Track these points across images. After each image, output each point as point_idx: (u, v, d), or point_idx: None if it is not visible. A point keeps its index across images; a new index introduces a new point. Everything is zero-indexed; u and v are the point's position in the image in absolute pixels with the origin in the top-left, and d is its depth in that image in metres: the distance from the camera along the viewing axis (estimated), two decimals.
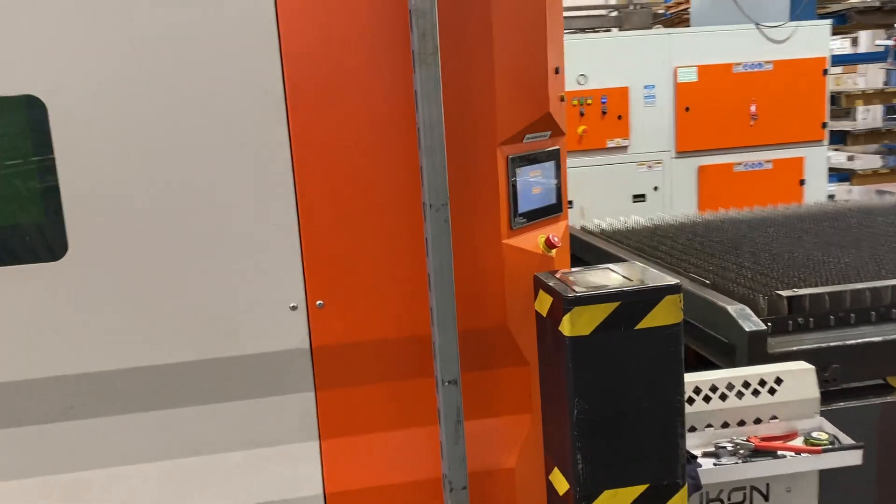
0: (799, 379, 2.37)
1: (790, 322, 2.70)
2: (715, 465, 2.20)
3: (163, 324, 1.77)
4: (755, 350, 2.54)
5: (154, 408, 1.81)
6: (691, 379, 2.36)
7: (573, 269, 1.80)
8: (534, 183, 1.93)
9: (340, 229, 1.79)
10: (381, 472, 1.88)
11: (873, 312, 2.73)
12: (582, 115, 6.52)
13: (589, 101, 6.50)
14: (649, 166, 6.74)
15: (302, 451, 1.87)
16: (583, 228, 4.71)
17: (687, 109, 6.65)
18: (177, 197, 1.73)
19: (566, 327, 1.56)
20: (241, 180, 1.75)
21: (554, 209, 2.00)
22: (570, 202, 6.62)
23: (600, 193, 6.71)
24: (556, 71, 1.93)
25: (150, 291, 1.75)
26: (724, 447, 2.29)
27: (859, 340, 2.59)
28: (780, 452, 2.24)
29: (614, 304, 1.55)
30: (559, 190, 2.02)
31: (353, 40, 1.73)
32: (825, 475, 2.39)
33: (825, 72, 6.79)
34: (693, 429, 2.34)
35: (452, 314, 1.66)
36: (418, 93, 1.61)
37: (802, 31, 6.75)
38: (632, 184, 6.78)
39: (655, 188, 6.80)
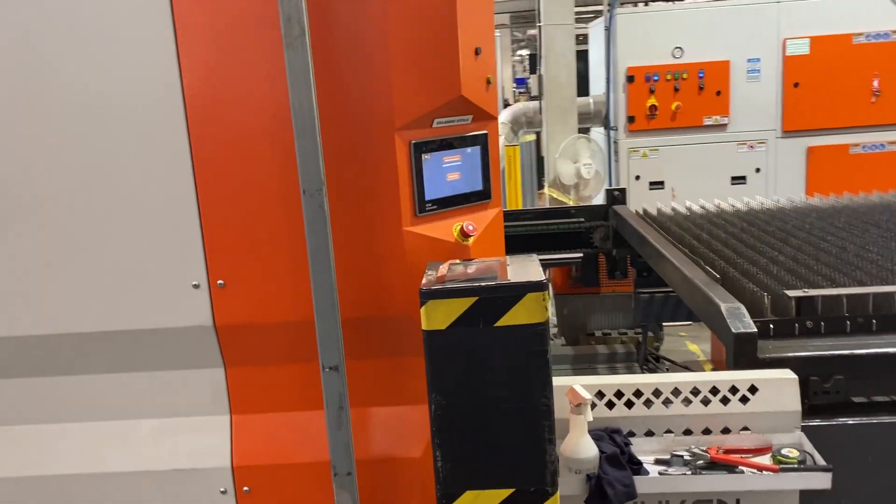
0: (776, 389, 2.14)
1: (796, 325, 2.43)
2: (661, 474, 2.05)
3: (77, 296, 1.88)
4: (742, 353, 2.31)
5: (73, 372, 1.94)
6: (652, 380, 2.20)
7: (469, 260, 1.70)
8: (450, 168, 1.84)
9: (239, 213, 1.81)
10: (288, 450, 1.91)
11: None
12: (676, 90, 6.15)
13: (685, 76, 6.11)
14: (751, 146, 6.26)
15: (213, 424, 1.93)
16: (643, 213, 4.45)
17: (796, 85, 6.10)
18: (86, 183, 1.83)
19: (423, 320, 1.49)
20: (144, 167, 1.82)
21: (480, 196, 1.91)
22: (661, 182, 6.31)
23: (695, 174, 6.34)
24: (477, 52, 1.82)
25: (65, 266, 1.87)
26: (681, 456, 2.12)
27: (870, 350, 2.29)
28: (739, 468, 2.05)
29: (472, 300, 1.46)
30: (486, 176, 1.92)
31: (240, 34, 1.72)
32: (815, 497, 2.16)
33: None
34: (650, 433, 2.18)
35: (331, 301, 1.63)
36: (288, 76, 1.58)
37: None
38: (731, 165, 6.34)
39: (757, 170, 6.32)
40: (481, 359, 1.49)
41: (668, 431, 2.17)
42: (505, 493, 1.52)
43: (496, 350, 1.48)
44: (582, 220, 4.73)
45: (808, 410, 2.34)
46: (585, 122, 6.84)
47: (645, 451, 2.17)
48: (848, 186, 5.62)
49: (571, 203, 6.32)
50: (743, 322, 2.33)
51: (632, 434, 2.18)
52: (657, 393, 2.17)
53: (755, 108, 6.20)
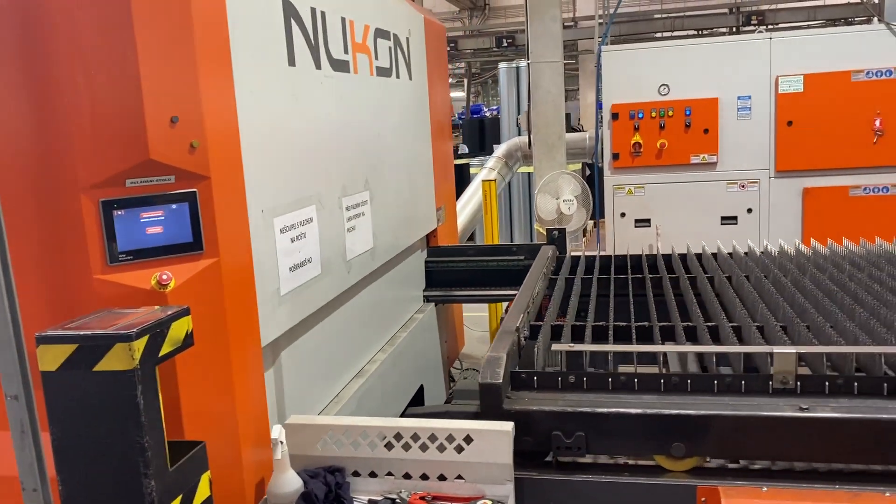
0: (489, 440, 2.17)
1: (559, 379, 2.44)
2: None
3: None
4: (488, 403, 2.33)
5: None
6: (377, 423, 2.29)
7: (128, 310, 1.85)
8: (150, 223, 2.02)
9: None
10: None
11: (662, 381, 2.36)
12: (662, 127, 6.06)
13: (670, 113, 6.01)
14: (742, 185, 6.06)
15: None
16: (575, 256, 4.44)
17: (790, 123, 5.87)
18: None
19: (38, 361, 1.68)
20: None
21: (189, 247, 2.07)
22: (647, 220, 6.21)
23: (683, 213, 6.19)
24: (173, 120, 1.99)
25: None
26: (391, 499, 2.19)
27: (609, 409, 2.26)
28: None
29: (73, 346, 1.64)
30: (197, 229, 2.08)
31: None
32: None
33: None
34: (374, 474, 2.27)
35: (11, 336, 1.83)
36: None
37: None
38: (721, 204, 6.15)
39: (749, 210, 6.10)
40: (85, 400, 1.66)
41: (390, 474, 2.25)
42: None
43: (96, 392, 1.65)
44: (522, 257, 4.77)
45: (556, 466, 2.37)
46: (581, 157, 6.83)
47: (366, 491, 2.26)
48: (847, 230, 5.33)
49: None
50: (493, 372, 2.37)
51: (357, 474, 2.28)
52: (381, 436, 2.26)
53: (746, 146, 6.00)
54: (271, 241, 2.46)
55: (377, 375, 3.55)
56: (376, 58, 3.66)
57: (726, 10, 21.22)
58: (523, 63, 11.91)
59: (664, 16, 20.33)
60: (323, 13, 2.97)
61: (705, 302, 3.23)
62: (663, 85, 6.01)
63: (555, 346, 2.49)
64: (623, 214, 6.26)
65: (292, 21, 2.67)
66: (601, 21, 6.43)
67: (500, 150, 6.84)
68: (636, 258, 4.09)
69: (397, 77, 4.02)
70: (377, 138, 3.64)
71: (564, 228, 4.72)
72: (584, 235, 7.81)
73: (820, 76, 5.75)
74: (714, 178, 6.08)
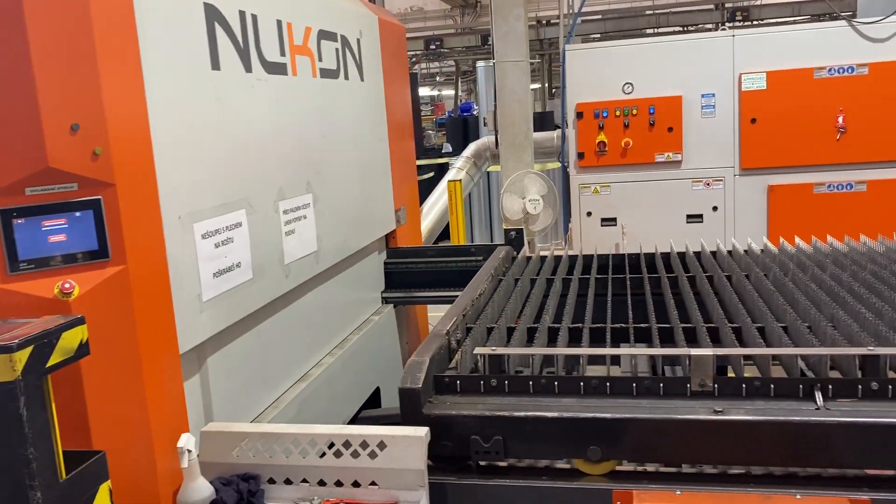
0: (402, 446, 2.16)
1: (482, 383, 2.42)
2: None
3: None
4: (407, 408, 2.33)
5: None
6: (292, 430, 2.27)
7: (24, 321, 1.83)
8: (52, 231, 2.01)
9: None
10: None
11: (582, 383, 2.35)
12: (626, 126, 6.05)
13: (634, 112, 6.01)
14: (707, 184, 6.06)
15: None
16: (531, 257, 4.43)
17: (753, 121, 5.87)
18: None
19: None
20: None
21: (95, 255, 2.05)
22: (613, 219, 6.21)
23: (649, 211, 6.19)
24: (73, 128, 1.96)
25: None
26: None
27: (527, 413, 2.25)
28: None
29: None
30: (102, 237, 2.06)
31: None
32: None
33: None
34: (289, 481, 2.25)
35: None
36: None
37: None
38: (687, 202, 6.15)
39: (714, 208, 6.10)
40: None
41: (305, 481, 2.24)
42: None
43: None
44: (481, 258, 4.76)
45: (478, 470, 2.37)
46: (551, 156, 6.82)
47: (281, 498, 2.25)
48: (812, 227, 5.31)
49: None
50: (413, 377, 2.36)
51: (273, 481, 2.27)
52: (296, 443, 2.24)
53: (711, 144, 6.00)
54: (190, 246, 2.44)
55: (323, 379, 3.53)
56: (320, 59, 3.64)
57: (712, 6, 21.26)
58: None
59: (650, 13, 20.35)
60: (254, 16, 2.95)
61: (665, 303, 3.17)
62: (627, 83, 6.01)
63: (476, 350, 2.48)
64: (589, 213, 6.25)
65: (216, 25, 2.65)
66: (566, 20, 6.42)
67: (469, 150, 6.83)
68: (588, 258, 4.08)
69: (346, 78, 4.00)
70: (322, 140, 3.62)
71: (522, 229, 4.71)
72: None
73: (783, 73, 5.75)
74: (679, 176, 6.08)
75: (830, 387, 2.18)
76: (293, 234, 3.24)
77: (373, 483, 2.18)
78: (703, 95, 5.92)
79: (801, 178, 5.88)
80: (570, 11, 6.47)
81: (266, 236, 2.98)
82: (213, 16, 2.64)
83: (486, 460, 2.31)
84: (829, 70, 5.68)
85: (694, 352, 2.28)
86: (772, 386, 2.22)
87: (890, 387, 2.15)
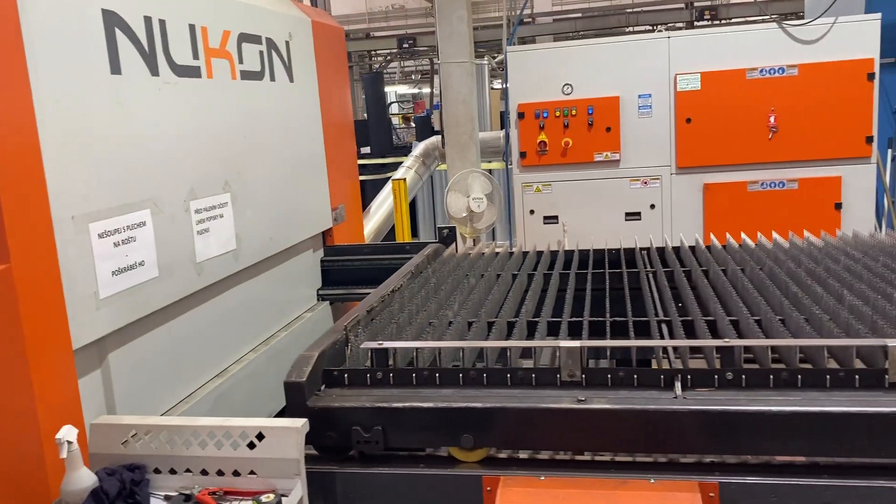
0: (280, 437, 2.25)
1: (368, 376, 2.53)
2: None
3: None
4: (291, 401, 2.43)
5: None
6: (180, 422, 2.36)
7: None
8: None
9: None
10: None
11: (461, 375, 2.46)
12: (566, 126, 6.17)
13: (574, 112, 6.13)
14: (645, 182, 6.19)
15: None
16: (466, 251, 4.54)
17: (688, 121, 6.01)
18: None
19: None
20: None
21: None
22: (555, 217, 6.33)
23: (589, 210, 6.32)
24: None
25: None
26: (185, 494, 2.27)
27: (406, 404, 2.36)
28: None
29: None
30: None
31: None
32: None
33: (871, 76, 5.74)
34: (174, 471, 2.34)
35: None
36: None
37: (841, 28, 5.77)
38: (625, 201, 6.28)
39: (652, 206, 6.24)
40: None
41: (188, 471, 2.33)
42: None
43: None
44: (414, 255, 4.85)
45: (360, 458, 2.47)
46: (498, 155, 6.93)
47: (165, 487, 2.33)
48: (746, 224, 5.46)
49: (467, 235, 6.43)
50: (299, 371, 2.46)
51: (158, 471, 2.35)
52: (180, 434, 2.33)
53: (648, 144, 6.14)
54: (85, 246, 2.52)
55: (244, 375, 3.62)
56: (241, 62, 3.72)
57: (682, 6, 21.48)
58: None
59: (618, 12, 20.55)
60: (162, 21, 3.03)
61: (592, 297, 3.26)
62: (567, 84, 6.13)
63: (363, 345, 2.58)
64: (532, 212, 6.37)
65: (116, 31, 2.73)
66: (509, 21, 6.52)
67: (418, 149, 6.93)
68: (510, 255, 4.19)
69: (272, 80, 4.08)
70: (243, 140, 3.70)
71: (454, 227, 4.81)
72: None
73: (716, 74, 5.89)
74: (617, 175, 6.21)
75: (690, 377, 2.30)
76: (207, 234, 3.32)
77: (252, 472, 2.27)
78: (640, 96, 6.05)
79: (735, 176, 6.03)
80: (513, 14, 6.58)
81: (175, 235, 3.06)
82: (114, 22, 2.72)
83: (367, 450, 2.41)
84: (761, 71, 5.83)
85: (563, 343, 2.39)
86: (635, 376, 2.34)
87: (743, 376, 2.27)
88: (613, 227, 6.13)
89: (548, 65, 6.13)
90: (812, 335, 2.49)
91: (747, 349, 2.48)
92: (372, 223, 6.45)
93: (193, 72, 3.27)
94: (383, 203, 6.75)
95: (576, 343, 2.39)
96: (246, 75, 3.78)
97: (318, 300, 4.84)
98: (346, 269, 4.96)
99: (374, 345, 2.57)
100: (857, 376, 2.22)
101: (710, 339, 2.40)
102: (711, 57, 5.90)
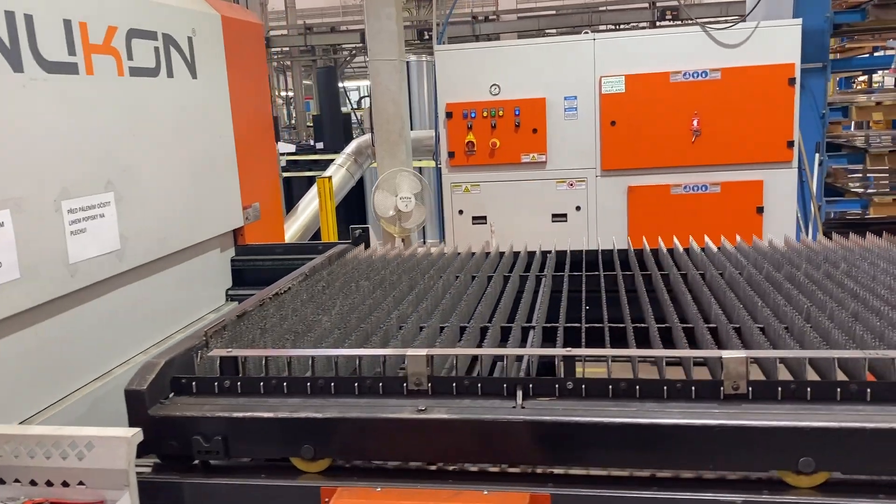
0: (109, 447, 2.20)
1: (216, 384, 2.48)
2: None
3: None
4: (133, 411, 2.38)
5: None
6: (5, 431, 2.30)
7: None
8: None
9: None
10: None
11: (309, 384, 2.42)
12: (494, 127, 6.15)
13: (501, 113, 6.11)
14: (571, 184, 6.20)
15: None
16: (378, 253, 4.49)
17: (613, 124, 6.02)
18: None
19: None
20: None
21: None
22: (484, 217, 6.32)
23: (516, 210, 6.31)
24: None
25: None
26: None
27: (247, 414, 2.32)
28: None
29: None
30: None
31: None
32: None
33: (792, 81, 5.79)
34: (2, 481, 2.28)
35: None
36: None
37: (763, 32, 5.81)
38: (551, 202, 6.28)
39: (578, 208, 6.24)
40: None
41: (17, 481, 2.26)
42: None
43: None
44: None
45: (204, 468, 2.42)
46: (428, 154, 6.90)
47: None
48: (669, 227, 5.47)
49: (396, 234, 6.39)
50: (141, 379, 2.41)
51: None
52: (8, 443, 2.26)
53: (573, 146, 6.14)
54: None
55: (131, 377, 3.54)
56: (130, 58, 3.64)
57: (646, 5, 21.61)
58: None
59: (580, 11, 20.61)
60: (28, 16, 2.94)
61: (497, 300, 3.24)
62: (494, 85, 6.11)
63: (212, 353, 2.53)
64: (461, 212, 6.34)
65: None
66: (438, 22, 6.48)
67: (350, 146, 6.87)
68: (416, 255, 4.16)
69: (169, 76, 4.00)
70: (131, 138, 3.62)
71: (367, 227, 4.77)
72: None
73: (640, 77, 5.91)
74: (544, 176, 6.21)
75: (531, 386, 2.28)
76: (83, 234, 3.24)
77: (81, 483, 2.21)
78: (565, 98, 6.05)
79: (659, 179, 6.05)
80: (441, 14, 6.54)
81: (41, 236, 2.98)
82: None
83: (207, 459, 2.36)
84: (685, 74, 5.85)
85: (410, 352, 2.36)
86: (479, 385, 2.31)
87: (583, 386, 2.26)
88: (540, 228, 6.13)
89: (476, 65, 6.10)
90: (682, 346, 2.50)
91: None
92: (299, 222, 6.38)
93: (69, 68, 3.19)
94: (311, 202, 6.68)
95: (422, 351, 2.36)
96: (136, 72, 3.70)
97: (226, 300, 4.77)
98: (258, 269, 4.89)
99: (223, 353, 2.52)
100: (693, 388, 2.21)
101: (556, 349, 2.38)
102: (636, 60, 5.91)
